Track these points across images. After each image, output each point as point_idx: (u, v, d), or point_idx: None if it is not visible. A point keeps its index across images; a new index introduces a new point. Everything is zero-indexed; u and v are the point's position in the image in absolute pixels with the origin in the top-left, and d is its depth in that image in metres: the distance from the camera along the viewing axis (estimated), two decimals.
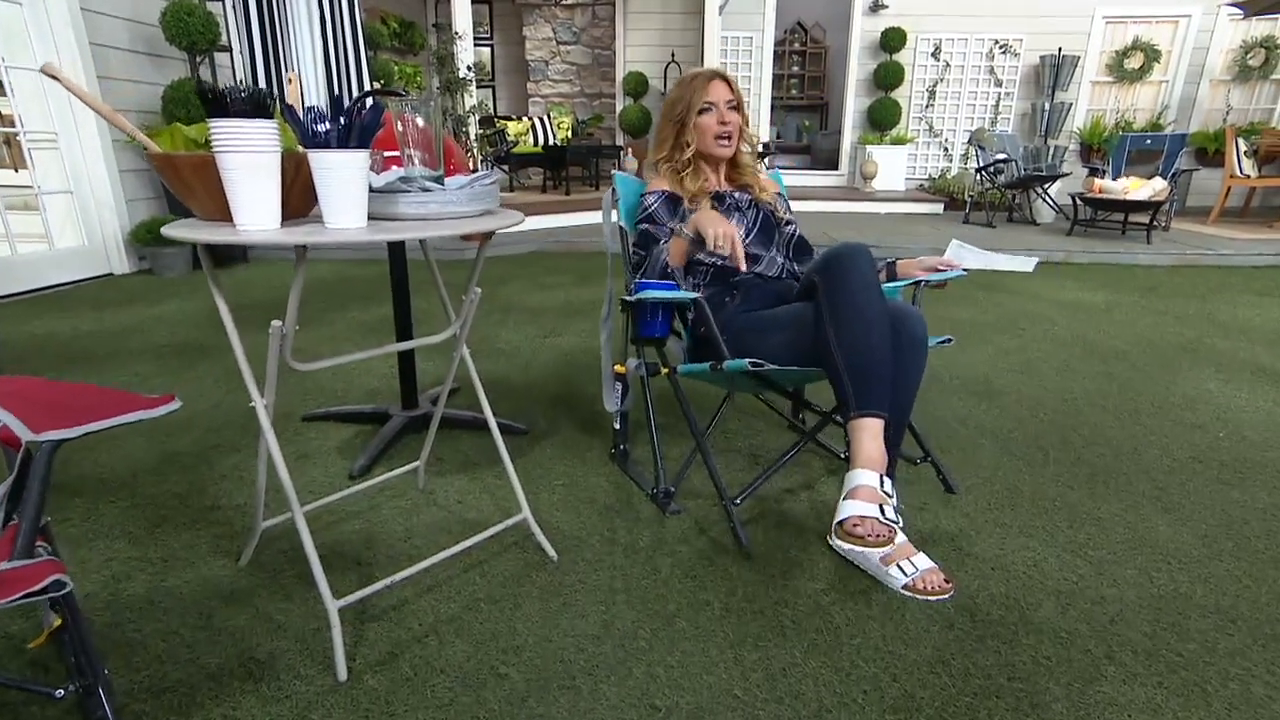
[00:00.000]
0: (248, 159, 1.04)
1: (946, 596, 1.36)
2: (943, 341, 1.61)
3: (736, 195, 1.82)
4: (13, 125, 3.98)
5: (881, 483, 1.33)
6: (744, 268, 1.49)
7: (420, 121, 1.31)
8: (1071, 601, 1.37)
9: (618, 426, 1.91)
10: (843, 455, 1.95)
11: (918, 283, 1.74)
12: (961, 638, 1.27)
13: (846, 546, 1.29)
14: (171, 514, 1.64)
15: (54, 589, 0.75)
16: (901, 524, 1.31)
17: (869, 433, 1.37)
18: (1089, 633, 1.28)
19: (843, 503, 1.33)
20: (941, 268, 1.72)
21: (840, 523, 1.29)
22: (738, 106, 1.79)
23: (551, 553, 1.50)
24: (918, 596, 1.35)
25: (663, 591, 1.39)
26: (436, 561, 1.39)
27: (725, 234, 1.47)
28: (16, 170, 4.70)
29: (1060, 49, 7.72)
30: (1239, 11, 7.00)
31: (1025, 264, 1.76)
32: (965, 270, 1.72)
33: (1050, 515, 1.69)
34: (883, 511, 1.28)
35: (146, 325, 3.21)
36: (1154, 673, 1.18)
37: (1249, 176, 6.86)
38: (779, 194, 1.93)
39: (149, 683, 1.14)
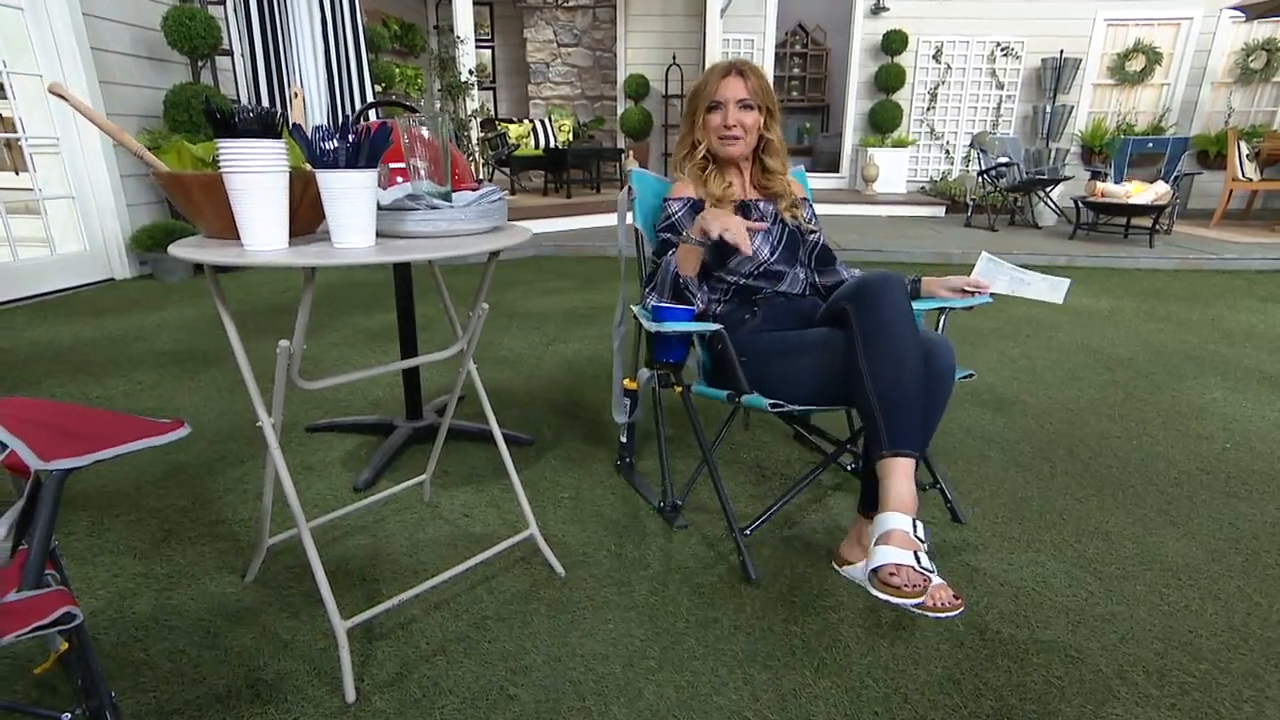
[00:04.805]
0: (255, 179, 1.03)
1: (956, 613, 1.34)
2: (965, 376, 1.57)
3: (762, 206, 1.73)
4: (14, 130, 3.97)
5: (914, 527, 1.25)
6: (749, 251, 1.46)
7: (426, 134, 1.31)
8: (1081, 619, 1.36)
9: (625, 439, 1.90)
10: (849, 468, 1.94)
11: (943, 309, 1.69)
12: (972, 656, 1.26)
13: (883, 597, 1.19)
14: (177, 528, 1.64)
15: (64, 621, 0.75)
16: (935, 570, 1.22)
17: (901, 473, 1.29)
18: (1099, 651, 1.28)
19: (875, 548, 1.24)
20: (969, 289, 1.67)
21: (875, 570, 1.21)
22: (757, 105, 1.68)
23: (559, 568, 1.49)
24: (928, 614, 1.33)
25: (671, 609, 1.38)
26: (444, 579, 1.39)
27: (730, 228, 1.44)
28: (17, 173, 4.70)
29: (1062, 51, 7.72)
30: (1241, 14, 7.00)
31: (1055, 292, 1.68)
32: (992, 296, 1.69)
33: (1058, 529, 1.68)
34: (918, 559, 1.20)
35: (148, 332, 3.21)
36: (1166, 694, 1.18)
37: (1251, 180, 6.85)
38: (805, 199, 1.85)
39: (156, 704, 1.13)
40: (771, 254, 1.70)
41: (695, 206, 1.69)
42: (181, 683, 1.18)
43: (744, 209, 1.72)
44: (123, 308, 3.67)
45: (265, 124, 1.05)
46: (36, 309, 3.66)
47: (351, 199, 1.07)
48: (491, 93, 9.11)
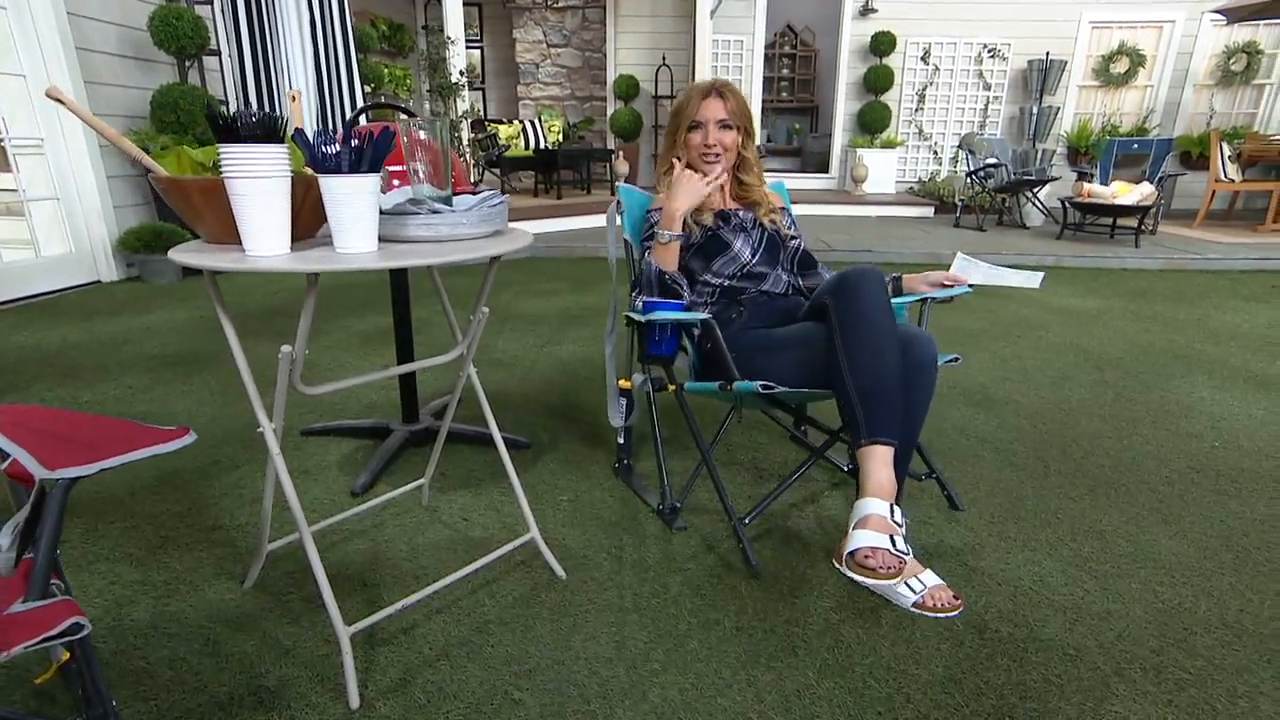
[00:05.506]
0: (257, 184, 1.03)
1: (956, 613, 1.36)
2: (950, 360, 1.62)
3: (741, 214, 1.81)
4: None
5: (891, 512, 1.32)
6: (711, 184, 1.69)
7: (422, 135, 1.30)
8: (1078, 617, 1.38)
9: (621, 441, 1.90)
10: (846, 469, 1.95)
11: (924, 300, 1.74)
12: (972, 655, 1.28)
13: (858, 578, 1.28)
14: (173, 534, 1.62)
15: (72, 632, 0.74)
16: (910, 552, 1.30)
17: (879, 460, 1.36)
18: (1097, 649, 1.29)
19: (853, 532, 1.31)
20: (947, 283, 1.72)
21: (851, 553, 1.28)
22: (736, 125, 1.75)
23: (560, 572, 1.49)
24: (928, 614, 1.36)
25: (673, 610, 1.39)
26: (445, 584, 1.38)
27: (695, 197, 1.65)
28: None
29: (1048, 53, 7.81)
30: (1222, 17, 7.11)
31: (1031, 280, 1.75)
32: (971, 287, 1.72)
33: (1053, 528, 1.70)
34: (893, 542, 1.27)
35: (137, 335, 3.17)
36: (1163, 690, 1.19)
37: (1233, 181, 6.95)
38: (783, 208, 1.92)
39: (158, 713, 1.12)
40: (753, 256, 1.77)
41: None
42: (183, 690, 1.17)
43: (723, 217, 1.80)
44: (111, 310, 3.63)
45: (268, 129, 1.04)
46: (21, 312, 3.61)
47: (355, 204, 1.07)
48: (481, 93, 9.08)
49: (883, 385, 1.38)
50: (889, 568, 1.25)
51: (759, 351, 1.59)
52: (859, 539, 1.29)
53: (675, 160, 1.79)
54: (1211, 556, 1.59)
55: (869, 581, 1.26)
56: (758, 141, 2.01)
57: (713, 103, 1.74)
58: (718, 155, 1.76)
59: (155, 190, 4.55)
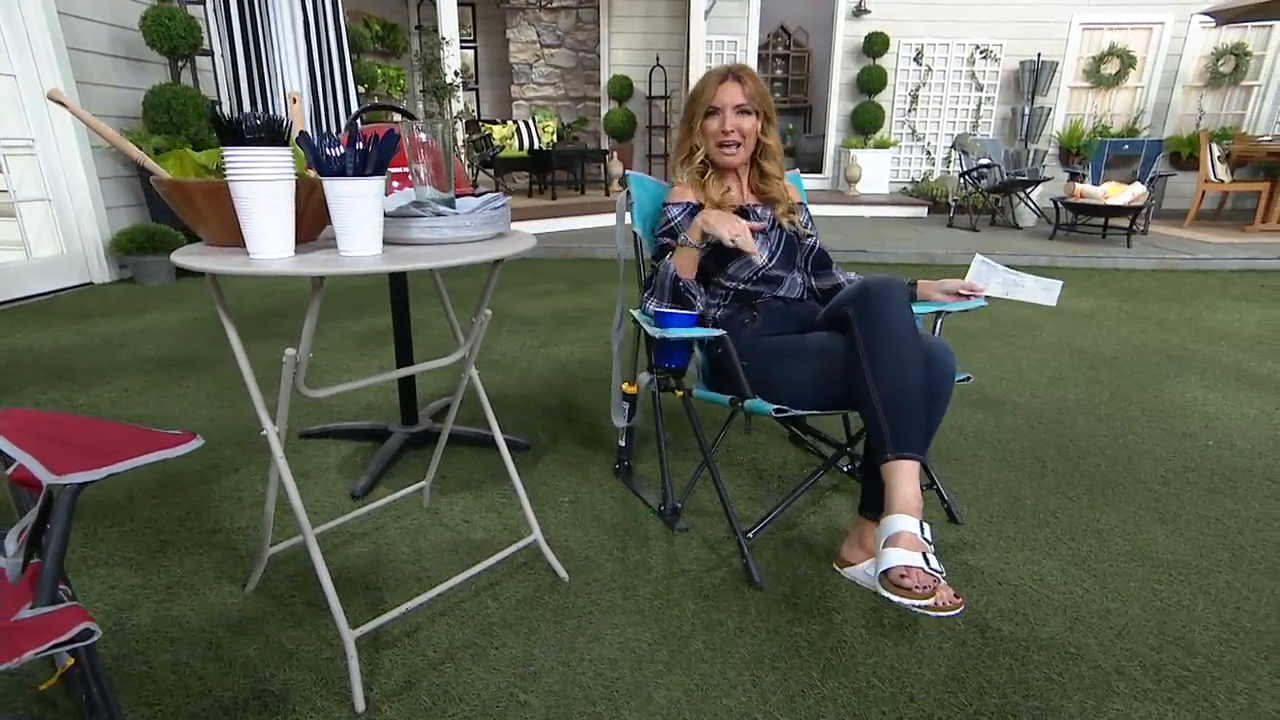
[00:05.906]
0: (263, 188, 1.03)
1: (957, 612, 1.36)
2: (963, 379, 1.59)
3: (760, 211, 1.75)
4: None
5: (921, 529, 1.27)
6: (757, 257, 1.58)
7: (423, 137, 1.30)
8: (1078, 616, 1.39)
9: (623, 443, 1.90)
10: (845, 469, 1.96)
11: (939, 312, 1.70)
12: (974, 655, 1.29)
13: (895, 599, 1.21)
14: (172, 538, 1.61)
15: (83, 638, 0.74)
16: (944, 571, 1.23)
17: (906, 475, 1.31)
18: (1097, 647, 1.31)
19: (884, 550, 1.24)
20: (964, 292, 1.68)
21: (885, 572, 1.22)
22: (755, 110, 1.69)
23: (563, 573, 1.50)
24: (930, 613, 1.36)
25: (676, 612, 1.39)
26: (448, 586, 1.38)
27: (737, 233, 1.51)
28: None
29: (1039, 54, 7.85)
30: (1210, 20, 7.17)
31: (1048, 295, 1.71)
32: (986, 299, 1.70)
33: (1052, 527, 1.71)
34: (926, 560, 1.21)
35: (130, 337, 3.15)
36: (1164, 688, 1.21)
37: (1222, 181, 7.02)
38: (800, 203, 1.87)
39: (162, 718, 1.12)
40: (770, 259, 1.71)
41: (694, 211, 1.69)
42: (186, 695, 1.16)
43: (742, 214, 1.73)
44: (104, 312, 3.61)
45: (272, 131, 1.04)
46: (13, 314, 3.58)
47: (360, 207, 1.07)
48: (474, 94, 9.06)
49: (907, 398, 1.34)
50: (925, 587, 1.19)
51: (775, 359, 1.55)
52: (891, 558, 1.23)
53: (694, 148, 1.73)
54: (1208, 555, 1.60)
55: (906, 602, 1.19)
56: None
57: (730, 87, 1.67)
58: (736, 143, 1.70)
59: (149, 192, 4.50)
